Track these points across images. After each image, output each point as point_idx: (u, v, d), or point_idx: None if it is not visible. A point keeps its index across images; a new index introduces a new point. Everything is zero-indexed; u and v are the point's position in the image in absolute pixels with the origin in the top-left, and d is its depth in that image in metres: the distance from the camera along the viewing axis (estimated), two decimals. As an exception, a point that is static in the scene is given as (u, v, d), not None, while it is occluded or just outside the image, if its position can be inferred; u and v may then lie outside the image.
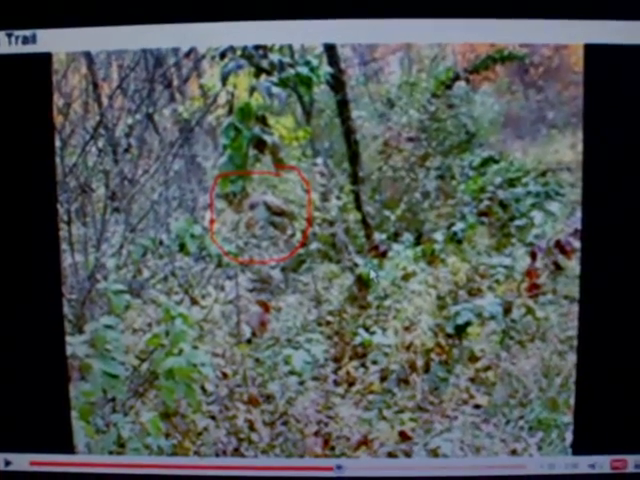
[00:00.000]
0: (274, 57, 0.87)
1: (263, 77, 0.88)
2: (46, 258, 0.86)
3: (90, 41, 0.83)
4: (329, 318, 0.96)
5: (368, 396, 0.92)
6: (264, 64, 0.88)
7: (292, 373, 0.93)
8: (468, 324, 0.91)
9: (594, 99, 0.81)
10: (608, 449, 0.85)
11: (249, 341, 0.93)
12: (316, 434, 0.91)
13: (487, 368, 0.91)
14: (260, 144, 0.91)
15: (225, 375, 0.93)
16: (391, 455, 0.89)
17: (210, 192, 0.90)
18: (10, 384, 0.87)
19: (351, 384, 0.92)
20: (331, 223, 0.95)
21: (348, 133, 0.97)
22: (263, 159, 0.91)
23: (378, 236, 0.96)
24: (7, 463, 0.88)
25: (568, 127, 0.84)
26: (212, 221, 0.91)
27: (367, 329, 0.93)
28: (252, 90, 0.89)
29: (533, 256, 0.90)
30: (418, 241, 0.95)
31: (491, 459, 0.88)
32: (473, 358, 0.91)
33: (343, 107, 0.96)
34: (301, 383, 0.93)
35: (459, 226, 0.93)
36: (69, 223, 0.90)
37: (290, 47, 0.88)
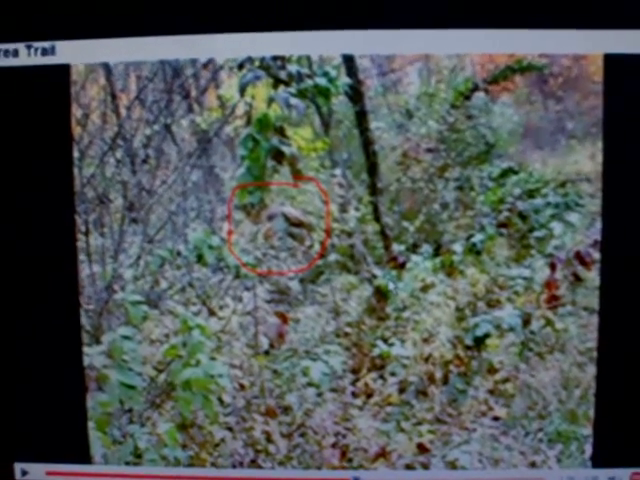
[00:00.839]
0: (292, 68, 0.88)
1: (281, 88, 0.89)
2: (64, 268, 0.86)
3: (108, 52, 0.83)
4: (347, 329, 0.96)
5: (386, 408, 0.91)
6: (282, 75, 0.88)
7: (310, 385, 0.93)
8: (487, 336, 0.91)
9: (614, 109, 0.81)
10: (628, 462, 0.84)
11: (267, 352, 0.93)
12: (334, 446, 0.91)
13: (506, 380, 0.91)
14: (278, 155, 0.91)
15: (242, 386, 0.93)
16: (409, 467, 0.89)
17: (228, 203, 0.90)
18: (27, 394, 0.87)
19: (369, 396, 0.92)
20: (349, 234, 0.95)
21: (366, 144, 0.97)
22: (281, 170, 0.91)
23: (397, 247, 0.95)
24: (24, 473, 0.89)
25: (588, 137, 0.83)
26: (230, 232, 0.91)
27: (385, 341, 0.93)
28: (270, 101, 0.89)
29: (552, 267, 0.90)
30: (437, 252, 0.95)
31: (510, 471, 0.88)
32: (492, 370, 0.91)
33: (361, 118, 0.96)
34: (319, 395, 0.93)
35: (478, 237, 0.93)
36: (87, 234, 0.90)
37: (308, 58, 0.88)
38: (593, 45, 0.80)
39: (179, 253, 0.93)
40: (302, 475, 0.89)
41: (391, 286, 0.94)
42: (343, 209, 0.94)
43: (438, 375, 0.93)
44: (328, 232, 0.93)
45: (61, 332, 0.87)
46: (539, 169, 0.90)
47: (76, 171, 0.86)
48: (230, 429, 0.92)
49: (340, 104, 0.94)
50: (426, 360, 0.93)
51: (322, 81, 0.89)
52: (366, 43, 0.81)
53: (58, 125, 0.84)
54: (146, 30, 0.82)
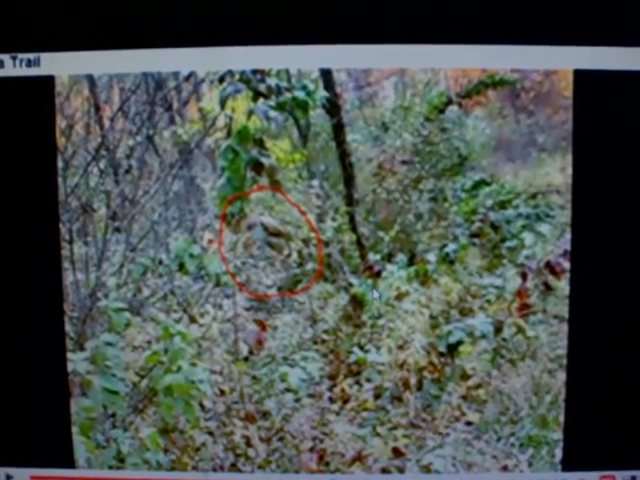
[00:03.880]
0: (271, 81, 0.88)
1: (261, 101, 0.89)
2: (48, 276, 0.87)
3: (92, 64, 0.84)
4: (324, 337, 0.97)
5: (362, 413, 0.92)
6: (262, 88, 0.89)
7: (288, 390, 0.93)
8: (460, 343, 0.92)
9: (583, 123, 0.82)
10: (597, 465, 0.86)
11: (246, 359, 0.94)
12: (311, 450, 0.92)
13: (478, 386, 0.92)
14: (257, 166, 0.92)
15: (223, 392, 0.94)
16: (384, 471, 0.90)
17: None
18: (12, 399, 0.88)
19: (346, 401, 0.93)
20: (327, 244, 0.95)
21: (343, 156, 0.98)
22: (260, 181, 0.92)
23: (372, 257, 0.96)
24: (8, 477, 0.89)
25: (558, 151, 0.85)
26: (211, 241, 0.93)
27: (361, 347, 0.94)
28: (250, 113, 0.90)
29: (523, 276, 0.91)
30: (411, 262, 0.96)
31: (482, 475, 0.89)
32: (465, 376, 0.92)
33: (338, 130, 0.96)
34: (297, 400, 0.94)
35: (451, 247, 0.94)
36: (71, 242, 0.91)
37: (287, 72, 0.89)
38: (563, 61, 0.81)
39: (161, 262, 0.94)
40: (281, 478, 0.90)
41: (375, 295, 0.95)
42: (320, 219, 0.95)
43: (412, 381, 0.94)
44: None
45: (45, 339, 0.88)
46: (511, 181, 0.91)
47: (60, 181, 0.87)
48: (211, 433, 0.93)
49: (318, 117, 0.94)
50: (401, 366, 0.94)
51: (300, 94, 0.90)
52: (343, 57, 0.82)
53: (43, 135, 0.85)
54: (129, 43, 0.83)
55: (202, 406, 0.93)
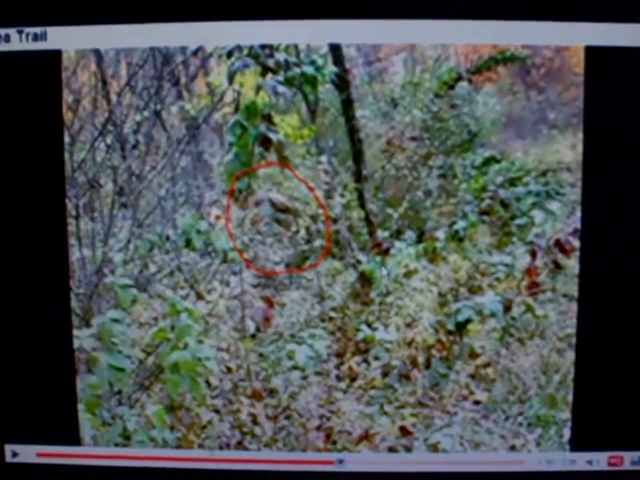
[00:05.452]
0: (280, 56, 0.88)
1: (269, 76, 0.89)
2: (54, 252, 0.87)
3: (99, 39, 0.84)
4: (332, 314, 0.97)
5: (370, 391, 0.93)
6: (270, 63, 0.88)
7: (295, 368, 0.93)
8: (468, 321, 0.91)
9: (594, 100, 0.82)
10: (605, 446, 0.86)
11: (253, 336, 0.94)
12: (318, 428, 0.92)
13: (487, 365, 0.92)
14: (265, 142, 0.91)
15: (229, 369, 0.94)
16: (392, 450, 0.90)
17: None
18: (18, 377, 0.89)
19: (353, 379, 0.93)
20: (335, 220, 0.95)
21: (352, 132, 0.97)
22: (268, 157, 0.92)
23: (381, 234, 0.96)
24: (14, 454, 0.90)
25: (568, 128, 0.85)
26: (218, 217, 0.92)
27: (369, 325, 0.94)
28: (258, 89, 0.90)
29: (533, 255, 0.91)
30: (420, 239, 0.95)
31: (490, 455, 0.89)
32: (473, 355, 0.92)
33: (347, 106, 0.96)
34: (304, 378, 0.93)
35: (460, 224, 0.93)
36: (77, 218, 0.91)
37: (296, 47, 0.88)
38: (574, 37, 0.81)
39: (168, 238, 0.94)
40: (287, 457, 0.91)
41: (384, 272, 0.95)
42: (329, 195, 0.94)
43: (420, 359, 0.93)
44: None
45: (51, 315, 0.88)
46: (521, 158, 0.90)
47: (67, 156, 0.87)
48: (217, 411, 0.93)
49: (326, 92, 0.94)
50: (409, 344, 0.94)
51: (309, 69, 0.89)
52: (353, 32, 0.82)
53: (49, 110, 0.85)
54: (137, 17, 0.83)
55: (209, 383, 0.93)
